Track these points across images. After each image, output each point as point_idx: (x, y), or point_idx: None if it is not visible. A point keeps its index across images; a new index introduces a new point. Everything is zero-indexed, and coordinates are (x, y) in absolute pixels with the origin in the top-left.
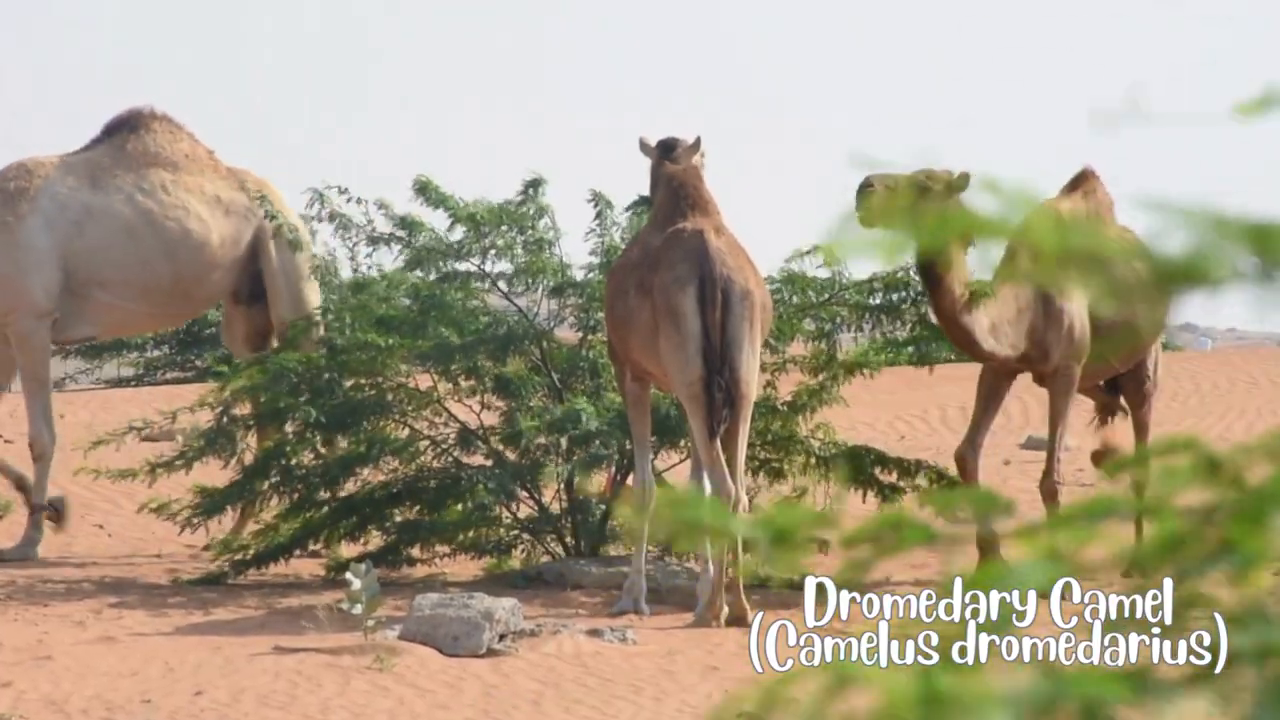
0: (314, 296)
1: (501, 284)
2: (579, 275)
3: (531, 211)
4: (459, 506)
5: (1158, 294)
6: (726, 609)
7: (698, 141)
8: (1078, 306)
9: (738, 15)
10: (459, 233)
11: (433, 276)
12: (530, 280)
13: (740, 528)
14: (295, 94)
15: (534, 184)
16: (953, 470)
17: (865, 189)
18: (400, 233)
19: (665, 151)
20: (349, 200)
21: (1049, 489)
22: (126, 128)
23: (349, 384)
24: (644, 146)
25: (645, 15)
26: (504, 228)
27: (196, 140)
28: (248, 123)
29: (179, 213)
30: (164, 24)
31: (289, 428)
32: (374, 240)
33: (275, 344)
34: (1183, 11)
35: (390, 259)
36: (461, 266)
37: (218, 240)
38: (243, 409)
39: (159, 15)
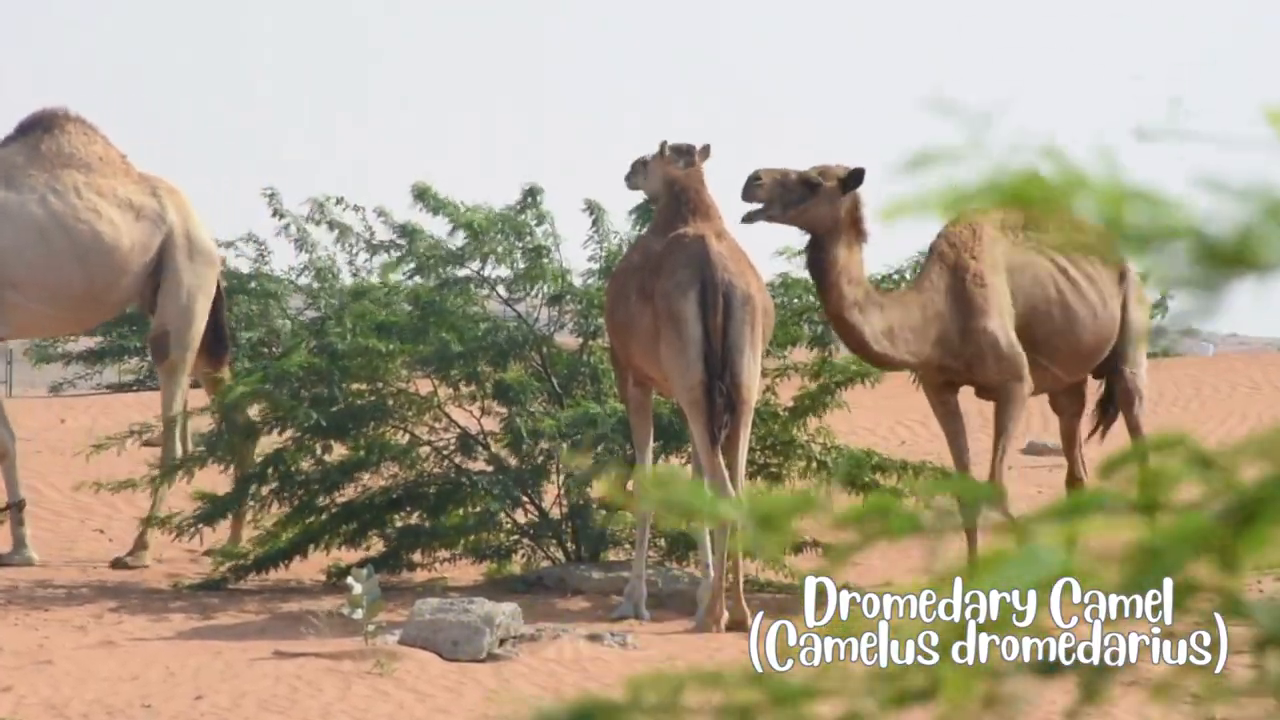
0: (202, 315)
1: (500, 289)
2: (578, 282)
3: (530, 218)
4: (460, 512)
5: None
6: (727, 614)
7: (706, 149)
8: (999, 323)
9: (737, 18)
10: (459, 238)
11: (432, 282)
12: (529, 286)
13: (726, 510)
14: (293, 98)
15: (532, 192)
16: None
17: (754, 182)
18: (400, 240)
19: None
20: (345, 209)
21: None
22: (40, 127)
23: (349, 389)
24: (662, 155)
25: (644, 19)
26: (503, 235)
27: (110, 143)
28: (245, 125)
29: (90, 216)
30: (159, 29)
31: (288, 433)
32: (374, 248)
33: (152, 351)
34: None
35: (389, 264)
36: (461, 272)
37: (128, 245)
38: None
39: (156, 18)
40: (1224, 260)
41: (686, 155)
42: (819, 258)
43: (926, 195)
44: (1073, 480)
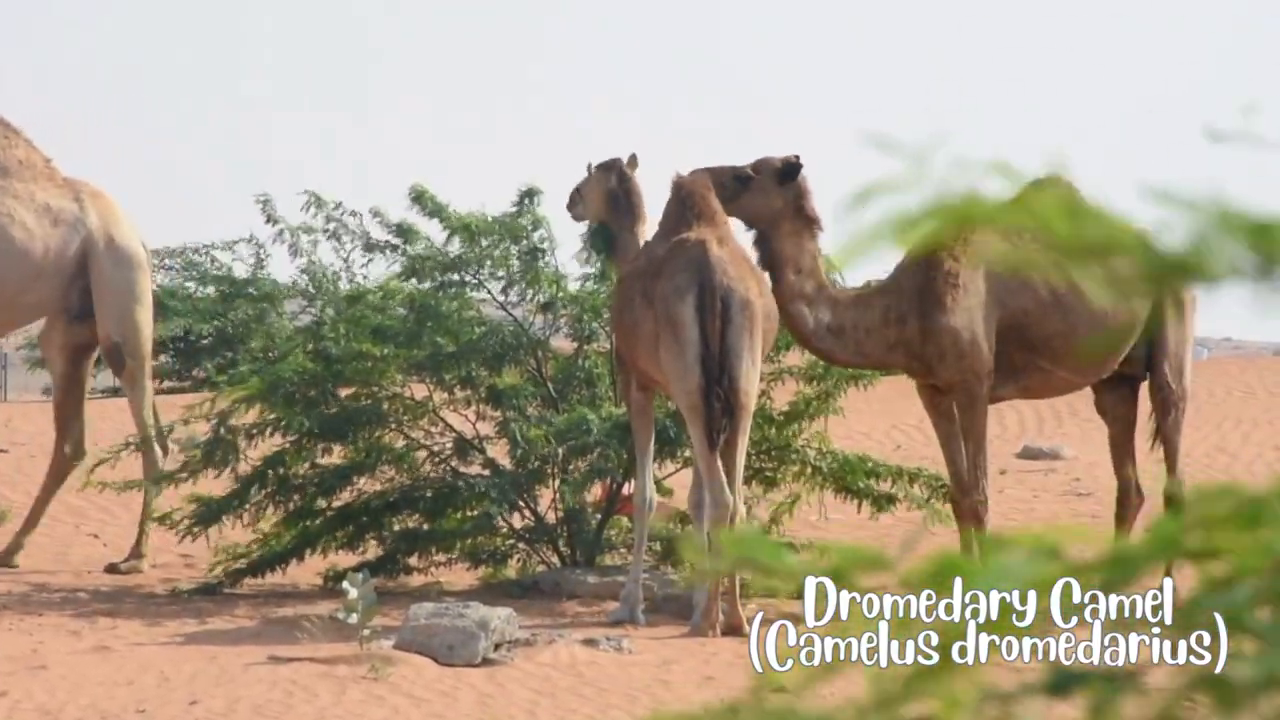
0: (146, 320)
1: (496, 292)
2: (574, 285)
3: (527, 222)
4: (456, 516)
5: (1153, 287)
6: (723, 618)
7: (634, 158)
8: (963, 321)
9: (737, 18)
10: (455, 243)
11: (428, 286)
12: (525, 289)
13: (800, 569)
14: (291, 101)
15: (529, 194)
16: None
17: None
18: (395, 240)
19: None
20: (343, 214)
21: (969, 508)
22: None
23: (345, 394)
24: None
25: (644, 19)
26: (498, 239)
27: (33, 147)
28: (243, 126)
29: (3, 220)
30: (158, 30)
31: (286, 437)
32: (370, 247)
33: (103, 361)
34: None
35: (385, 266)
36: (457, 276)
37: (41, 249)
38: (241, 419)
39: (154, 19)
40: (1171, 271)
41: (615, 170)
42: (764, 249)
43: (876, 228)
44: (1123, 499)
